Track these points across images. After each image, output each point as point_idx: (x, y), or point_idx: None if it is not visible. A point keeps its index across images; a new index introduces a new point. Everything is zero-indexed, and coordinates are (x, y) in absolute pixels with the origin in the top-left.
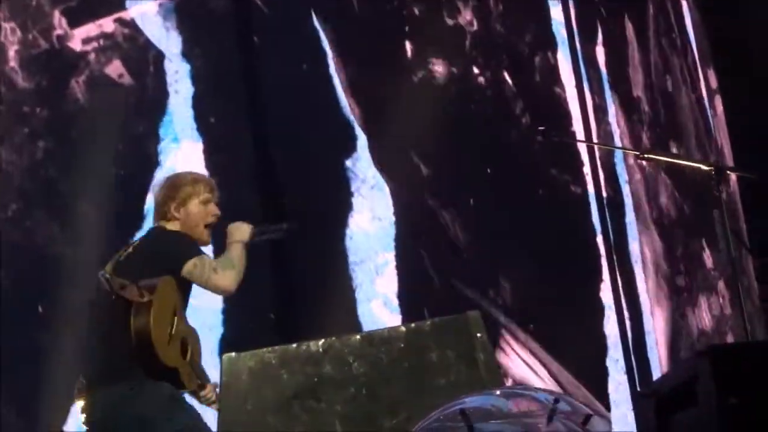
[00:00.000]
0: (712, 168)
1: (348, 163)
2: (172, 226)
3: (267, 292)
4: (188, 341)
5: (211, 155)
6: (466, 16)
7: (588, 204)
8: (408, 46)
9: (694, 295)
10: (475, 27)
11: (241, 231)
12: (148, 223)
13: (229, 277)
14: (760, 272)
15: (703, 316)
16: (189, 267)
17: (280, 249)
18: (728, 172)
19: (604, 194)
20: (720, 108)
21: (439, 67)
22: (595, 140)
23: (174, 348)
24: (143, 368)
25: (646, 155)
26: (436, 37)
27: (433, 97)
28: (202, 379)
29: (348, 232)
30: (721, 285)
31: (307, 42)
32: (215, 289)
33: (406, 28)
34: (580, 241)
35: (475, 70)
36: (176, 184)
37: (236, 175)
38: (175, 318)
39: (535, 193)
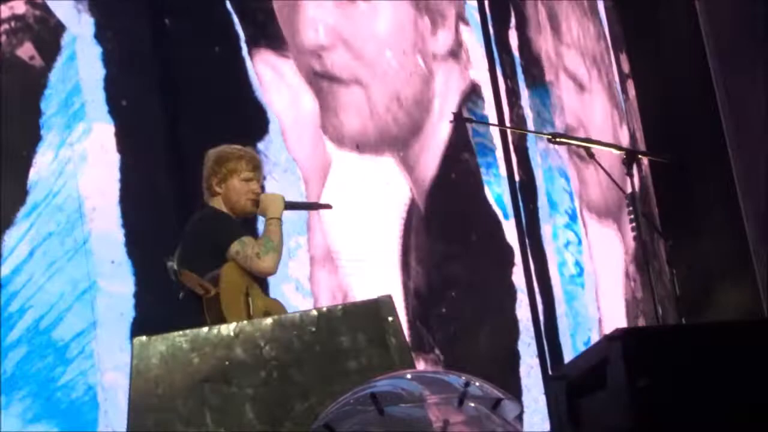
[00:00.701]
0: (624, 152)
1: (260, 146)
2: (216, 202)
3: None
4: (272, 314)
5: (123, 138)
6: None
7: (500, 188)
8: (320, 29)
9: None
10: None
11: (275, 205)
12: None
13: (271, 260)
14: (671, 256)
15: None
16: (232, 252)
17: None
18: (640, 156)
19: (517, 178)
20: (632, 92)
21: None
22: (507, 124)
23: None
24: None
25: (558, 139)
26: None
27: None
28: None
29: None
30: (632, 269)
31: (219, 24)
32: (257, 273)
33: (310, 13)
34: (493, 224)
35: (388, 54)
36: (220, 159)
37: (148, 158)
38: (249, 299)
39: (447, 177)
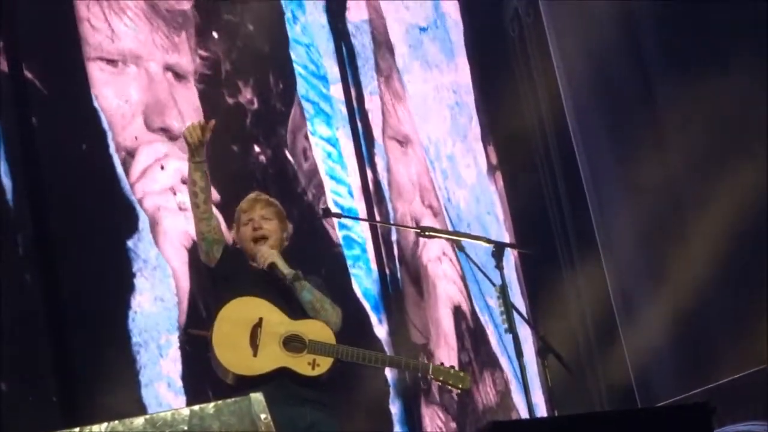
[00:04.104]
0: (493, 244)
1: (130, 243)
2: None
3: (49, 376)
4: (302, 334)
5: None
6: (246, 94)
7: (369, 280)
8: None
9: (478, 371)
10: (256, 105)
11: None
12: None
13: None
14: (542, 347)
15: (488, 392)
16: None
17: (61, 331)
18: (509, 248)
19: (387, 272)
20: (500, 184)
21: (221, 146)
22: (377, 218)
23: (267, 352)
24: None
25: (427, 232)
26: (217, 116)
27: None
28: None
29: (130, 313)
30: (504, 360)
31: (86, 121)
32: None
33: (186, 107)
34: (362, 318)
35: (256, 149)
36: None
37: (14, 255)
38: (259, 329)
39: (317, 271)
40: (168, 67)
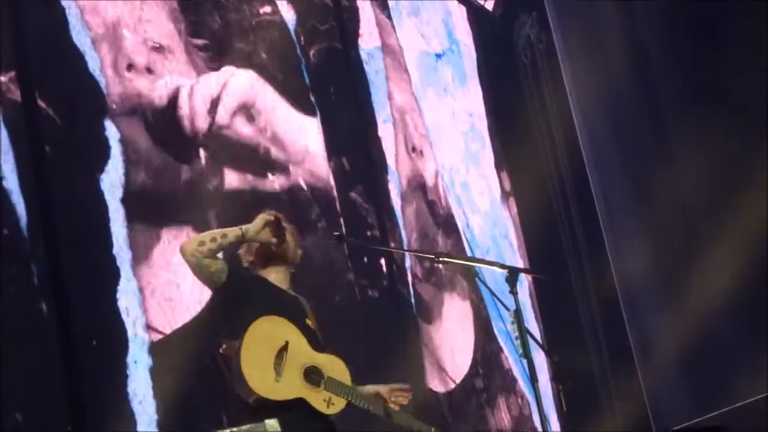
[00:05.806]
0: (507, 269)
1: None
2: None
3: (63, 406)
4: (321, 367)
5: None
6: (260, 123)
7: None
8: (202, 153)
9: (493, 396)
10: (269, 133)
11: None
12: None
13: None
14: (557, 372)
15: (503, 417)
16: None
17: (76, 361)
18: (523, 273)
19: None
20: (514, 209)
21: (233, 175)
22: (391, 245)
23: (289, 379)
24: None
25: (441, 258)
26: (229, 146)
27: (228, 206)
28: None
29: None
30: (519, 385)
31: (101, 151)
32: None
33: (200, 137)
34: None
35: (270, 176)
36: None
37: (29, 284)
38: (285, 353)
39: (331, 299)
40: None
